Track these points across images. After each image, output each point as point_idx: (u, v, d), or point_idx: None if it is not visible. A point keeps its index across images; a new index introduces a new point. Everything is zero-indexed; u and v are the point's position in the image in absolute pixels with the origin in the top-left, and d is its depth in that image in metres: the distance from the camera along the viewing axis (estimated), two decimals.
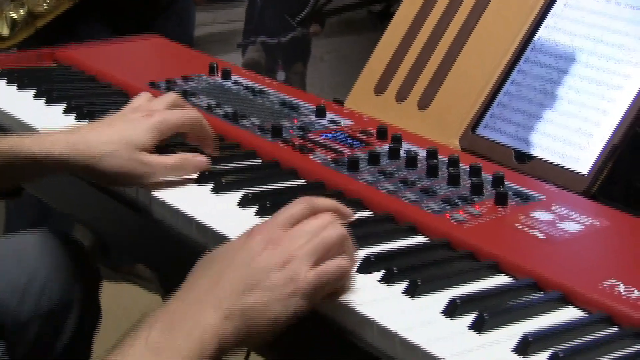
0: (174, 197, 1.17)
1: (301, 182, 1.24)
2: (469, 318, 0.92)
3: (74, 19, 2.30)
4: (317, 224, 0.98)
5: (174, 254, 1.19)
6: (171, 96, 1.28)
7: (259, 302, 0.92)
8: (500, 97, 1.38)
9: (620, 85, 1.29)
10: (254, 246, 0.95)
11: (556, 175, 1.27)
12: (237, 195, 1.17)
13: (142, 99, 1.28)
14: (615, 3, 1.35)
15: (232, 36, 3.77)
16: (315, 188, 1.21)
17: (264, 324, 0.92)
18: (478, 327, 0.91)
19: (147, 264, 1.51)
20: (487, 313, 0.92)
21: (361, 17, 3.92)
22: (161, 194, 1.18)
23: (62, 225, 2.73)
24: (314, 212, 0.99)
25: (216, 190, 1.19)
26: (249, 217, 1.13)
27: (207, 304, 0.91)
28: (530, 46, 1.39)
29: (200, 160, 1.22)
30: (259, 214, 1.13)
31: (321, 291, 0.94)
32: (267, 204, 1.14)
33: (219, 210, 1.14)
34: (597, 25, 1.35)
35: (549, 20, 1.40)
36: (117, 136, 1.18)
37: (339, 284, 0.96)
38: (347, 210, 1.05)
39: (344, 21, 3.93)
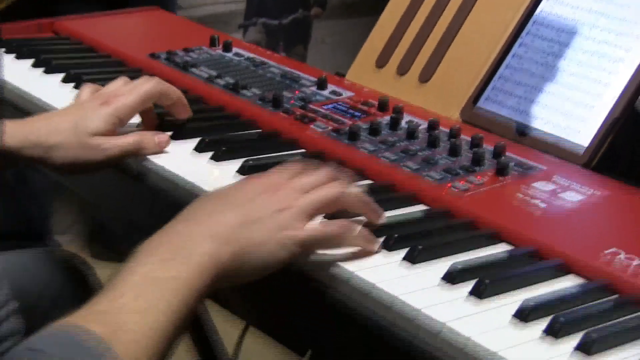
0: (173, 164, 1.17)
1: (301, 151, 1.23)
2: (470, 284, 0.92)
3: None
4: (319, 179, 0.99)
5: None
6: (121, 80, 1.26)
7: (256, 237, 0.93)
8: (501, 70, 1.38)
9: (621, 57, 1.28)
10: (253, 189, 0.97)
11: (557, 148, 1.26)
12: (237, 163, 1.16)
13: (117, 83, 1.25)
14: None
15: (233, 17, 3.75)
16: (316, 157, 1.20)
17: (258, 259, 0.93)
18: (478, 293, 0.91)
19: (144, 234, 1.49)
20: (487, 279, 0.91)
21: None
22: (160, 161, 1.17)
23: (42, 205, 2.70)
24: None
25: (216, 158, 1.19)
26: None
27: (204, 233, 0.91)
28: (532, 19, 1.39)
29: (160, 138, 1.20)
30: None
31: (320, 245, 0.96)
32: None
33: (218, 178, 1.14)
34: None
35: None
36: (67, 124, 1.16)
37: (339, 240, 0.96)
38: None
39: (345, 4, 3.91)
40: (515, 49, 1.38)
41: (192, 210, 0.96)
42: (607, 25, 1.31)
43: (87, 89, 1.26)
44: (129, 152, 1.18)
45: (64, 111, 1.22)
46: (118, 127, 1.19)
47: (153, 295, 0.85)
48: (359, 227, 0.98)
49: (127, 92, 1.20)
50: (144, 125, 1.25)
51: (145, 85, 1.21)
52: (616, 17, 1.31)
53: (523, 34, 1.38)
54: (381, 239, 1.00)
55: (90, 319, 0.82)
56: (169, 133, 1.24)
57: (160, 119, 1.27)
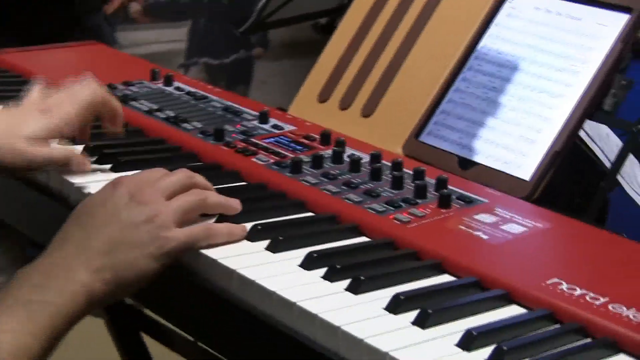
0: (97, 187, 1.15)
1: (243, 183, 1.22)
2: (413, 314, 0.91)
3: None
4: (179, 181, 1.04)
5: None
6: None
7: (126, 259, 0.96)
8: (443, 105, 1.38)
9: (561, 93, 1.30)
10: (119, 201, 0.99)
11: (499, 181, 1.27)
12: None
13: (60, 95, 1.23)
14: (556, 14, 1.36)
15: (174, 56, 3.74)
16: (257, 189, 1.19)
17: (133, 278, 0.96)
18: (421, 322, 0.90)
19: None
20: (430, 309, 0.91)
21: (304, 40, 3.92)
22: (79, 180, 1.16)
23: None
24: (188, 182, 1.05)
25: None
26: None
27: (77, 263, 0.94)
28: (474, 55, 1.40)
29: (84, 163, 1.19)
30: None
31: (189, 248, 0.99)
32: None
33: None
34: (539, 35, 1.36)
35: (492, 29, 1.40)
36: (3, 126, 1.15)
37: (206, 240, 1.00)
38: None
39: (287, 44, 3.93)
40: (457, 83, 1.39)
41: (66, 233, 0.98)
42: (547, 61, 1.33)
43: (37, 91, 1.24)
44: (53, 165, 1.17)
45: (1, 111, 1.19)
46: (57, 136, 1.18)
47: (23, 316, 0.89)
48: (220, 225, 1.03)
49: (67, 102, 1.19)
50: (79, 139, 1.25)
51: (85, 94, 1.21)
52: (556, 53, 1.33)
53: (465, 68, 1.39)
54: (249, 225, 1.04)
55: None
56: (109, 165, 1.22)
57: (99, 150, 1.24)
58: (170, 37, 3.62)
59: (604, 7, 1.31)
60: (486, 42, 1.40)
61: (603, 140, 1.72)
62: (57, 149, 1.18)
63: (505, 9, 1.41)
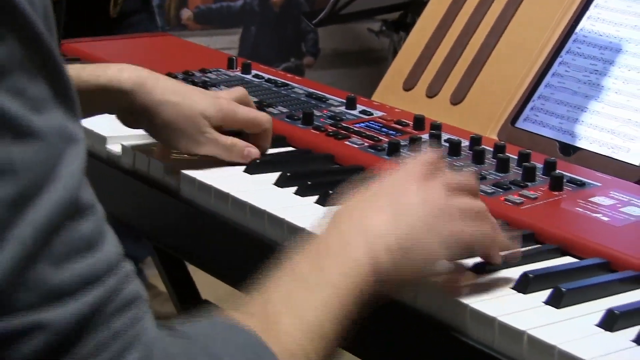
0: (206, 176, 1.09)
1: (337, 167, 1.16)
2: (544, 294, 0.85)
3: None
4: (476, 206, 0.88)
5: (204, 234, 1.10)
6: (240, 90, 1.20)
7: (413, 235, 0.81)
8: (541, 90, 1.32)
9: None
10: (407, 184, 0.86)
11: (605, 167, 1.20)
12: (272, 176, 1.09)
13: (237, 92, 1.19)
14: None
15: None
16: (355, 171, 1.13)
17: (419, 260, 0.82)
18: (556, 302, 0.83)
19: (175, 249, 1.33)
20: (564, 288, 0.84)
21: (355, 49, 3.87)
22: (191, 173, 1.10)
23: None
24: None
25: (249, 171, 1.11)
26: (288, 196, 1.05)
27: (358, 242, 0.80)
28: (572, 37, 1.33)
29: (249, 150, 1.13)
30: (299, 193, 1.05)
31: (466, 251, 0.86)
32: (307, 183, 1.06)
33: (256, 189, 1.06)
34: None
35: (591, 11, 1.34)
36: (188, 95, 1.10)
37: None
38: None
39: (337, 54, 3.88)
40: (554, 67, 1.32)
41: (345, 213, 0.84)
42: None
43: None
44: (221, 151, 1.11)
45: (185, 84, 1.15)
46: (218, 125, 1.12)
47: (304, 295, 0.76)
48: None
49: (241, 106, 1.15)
50: None
51: (261, 115, 1.16)
52: None
53: (563, 52, 1.33)
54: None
55: (244, 318, 0.73)
56: None
57: None
58: (221, 45, 3.58)
59: None
60: (585, 25, 1.33)
61: None
62: (222, 135, 1.13)
63: None
